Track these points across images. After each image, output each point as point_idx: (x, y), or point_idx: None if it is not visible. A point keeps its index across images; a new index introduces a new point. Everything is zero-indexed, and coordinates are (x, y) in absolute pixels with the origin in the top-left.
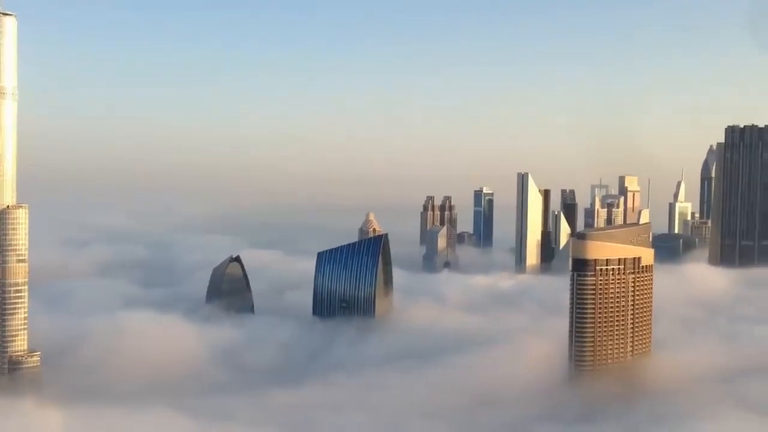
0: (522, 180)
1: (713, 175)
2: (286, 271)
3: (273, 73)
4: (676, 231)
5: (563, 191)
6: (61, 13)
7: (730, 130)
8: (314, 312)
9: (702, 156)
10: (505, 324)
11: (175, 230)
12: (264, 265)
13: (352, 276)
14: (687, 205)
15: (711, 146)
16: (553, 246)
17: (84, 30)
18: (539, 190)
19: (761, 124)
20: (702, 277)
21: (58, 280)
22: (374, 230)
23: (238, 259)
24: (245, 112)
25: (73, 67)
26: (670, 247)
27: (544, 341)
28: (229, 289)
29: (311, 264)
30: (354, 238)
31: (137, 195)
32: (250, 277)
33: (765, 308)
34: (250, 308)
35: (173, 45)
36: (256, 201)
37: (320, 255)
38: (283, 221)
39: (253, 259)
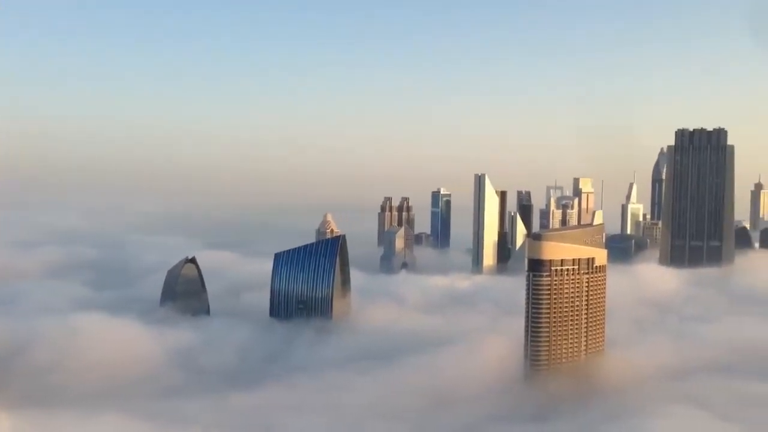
0: (479, 181)
1: (664, 177)
2: (243, 273)
3: (228, 72)
4: (629, 232)
5: (519, 192)
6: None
7: (680, 134)
8: (271, 313)
9: (653, 158)
10: (462, 324)
11: (128, 230)
12: (220, 266)
13: (310, 277)
14: (639, 207)
15: (662, 149)
16: (510, 247)
17: (35, 27)
18: (496, 192)
19: (710, 128)
20: (653, 277)
21: (7, 282)
22: (332, 231)
23: (193, 261)
24: (201, 111)
25: (21, 65)
26: (622, 247)
27: (501, 341)
28: (185, 291)
29: (268, 265)
30: (311, 238)
31: (89, 194)
32: (205, 279)
33: (713, 307)
34: (206, 310)
35: (128, 41)
36: (211, 201)
37: (277, 256)
38: (239, 222)
39: (208, 260)
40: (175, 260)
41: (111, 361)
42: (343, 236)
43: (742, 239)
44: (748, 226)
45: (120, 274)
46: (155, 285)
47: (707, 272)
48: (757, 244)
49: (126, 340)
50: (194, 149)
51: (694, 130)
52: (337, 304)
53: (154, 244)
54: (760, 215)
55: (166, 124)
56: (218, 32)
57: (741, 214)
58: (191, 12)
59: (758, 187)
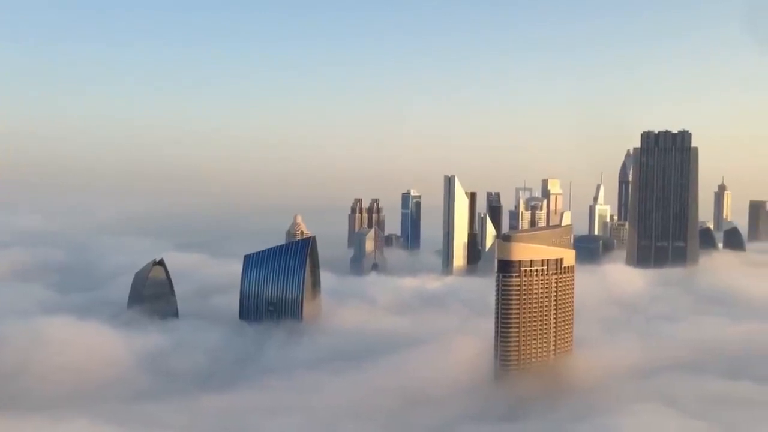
0: (449, 182)
1: (630, 178)
2: (212, 275)
3: (196, 72)
4: (596, 233)
5: (489, 194)
6: None
7: (646, 136)
8: (241, 316)
9: (620, 160)
10: (432, 325)
11: (95, 232)
12: (189, 268)
13: (280, 279)
14: (606, 208)
15: (628, 151)
16: (480, 248)
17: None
18: (465, 193)
19: (674, 130)
20: (620, 277)
21: None
22: (302, 232)
23: (161, 263)
24: (169, 111)
25: None
26: (590, 248)
27: (471, 341)
28: (153, 294)
29: (237, 267)
30: (281, 240)
31: (55, 195)
32: (174, 281)
33: (679, 307)
34: (175, 313)
35: (103, 38)
36: (180, 202)
37: (247, 258)
38: (208, 223)
39: (177, 262)
40: (142, 262)
41: (78, 365)
42: (313, 238)
43: (706, 240)
44: (711, 226)
45: (86, 276)
46: (122, 287)
47: (673, 272)
48: (720, 245)
49: (93, 344)
50: (162, 151)
51: (659, 132)
52: (308, 306)
53: (122, 245)
54: (723, 216)
55: (134, 125)
56: (189, 32)
57: (705, 215)
58: (164, 10)
59: (721, 188)
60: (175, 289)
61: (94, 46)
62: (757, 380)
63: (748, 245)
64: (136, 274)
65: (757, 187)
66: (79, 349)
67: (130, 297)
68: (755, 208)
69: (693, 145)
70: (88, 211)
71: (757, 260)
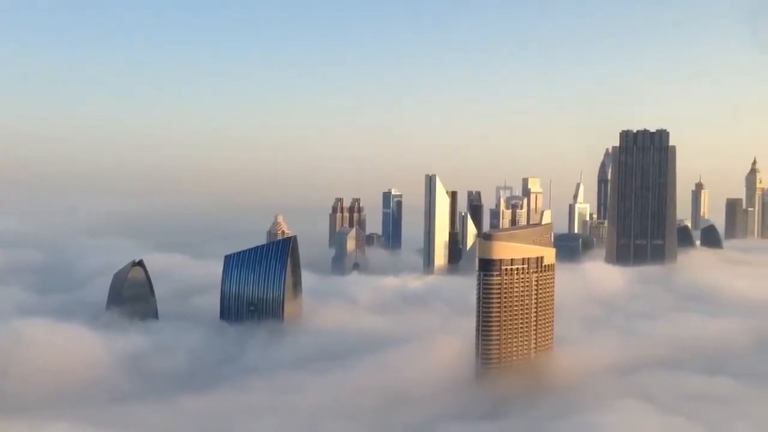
0: (430, 182)
1: (609, 177)
2: (192, 275)
3: (176, 71)
4: (576, 231)
5: (469, 193)
6: None
7: (624, 135)
8: (221, 316)
9: (599, 159)
10: (414, 324)
11: (72, 233)
12: (168, 269)
13: (261, 279)
14: (585, 206)
15: (607, 150)
16: (461, 247)
17: None
18: (446, 192)
19: (653, 129)
20: (600, 275)
21: None
22: (283, 232)
23: (140, 263)
24: (148, 110)
25: None
26: (570, 246)
27: (453, 340)
28: (132, 295)
29: (218, 267)
30: (262, 240)
31: (32, 195)
32: (154, 282)
33: (658, 304)
34: (154, 314)
35: (68, 41)
36: (159, 202)
37: (227, 258)
38: (188, 223)
39: (156, 263)
40: (121, 263)
41: (58, 367)
42: (294, 237)
43: (684, 238)
44: (689, 224)
45: (64, 277)
46: (101, 289)
47: (651, 270)
48: (698, 242)
49: (73, 346)
50: (141, 151)
51: (637, 131)
52: (289, 306)
53: (100, 246)
54: (701, 214)
55: (112, 125)
56: (165, 32)
57: (683, 213)
58: (138, 11)
59: (699, 186)
60: (155, 289)
61: (73, 46)
62: (735, 376)
63: (725, 243)
64: (115, 275)
65: (733, 185)
66: (59, 351)
67: (109, 298)
68: (732, 206)
69: (671, 143)
70: (65, 212)
71: (734, 257)
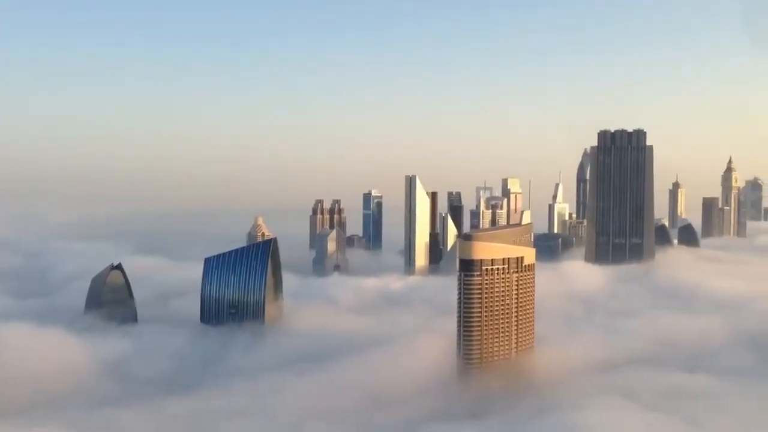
0: (410, 183)
1: (588, 177)
2: (172, 279)
3: (153, 74)
4: (555, 231)
5: (450, 193)
6: None
7: (602, 135)
8: (202, 319)
9: (578, 159)
10: (396, 325)
11: (50, 237)
12: (148, 272)
13: (241, 281)
14: (565, 206)
15: (585, 150)
16: (441, 247)
17: None
18: (427, 193)
19: (630, 129)
20: (579, 274)
21: None
22: (263, 234)
23: (119, 267)
24: (125, 113)
25: None
26: (549, 246)
27: (434, 340)
28: (111, 299)
29: (198, 270)
30: (242, 242)
31: (9, 200)
32: (133, 285)
33: (637, 302)
34: (134, 318)
35: (41, 42)
36: (138, 205)
37: (207, 261)
38: (167, 226)
39: (136, 266)
40: (100, 267)
41: (39, 372)
42: (275, 239)
43: (662, 236)
44: (666, 223)
45: (42, 282)
46: (79, 293)
47: (630, 268)
48: (675, 241)
49: (53, 350)
50: (120, 153)
51: (615, 131)
52: (270, 308)
53: (78, 250)
54: (678, 213)
55: (89, 128)
56: (136, 34)
57: (660, 212)
58: (102, 11)
59: (676, 186)
60: (134, 293)
61: (41, 47)
62: (713, 373)
63: (702, 241)
64: (94, 279)
65: (710, 184)
66: (39, 355)
67: (87, 302)
68: (708, 205)
69: (648, 143)
70: (42, 217)
71: (711, 255)
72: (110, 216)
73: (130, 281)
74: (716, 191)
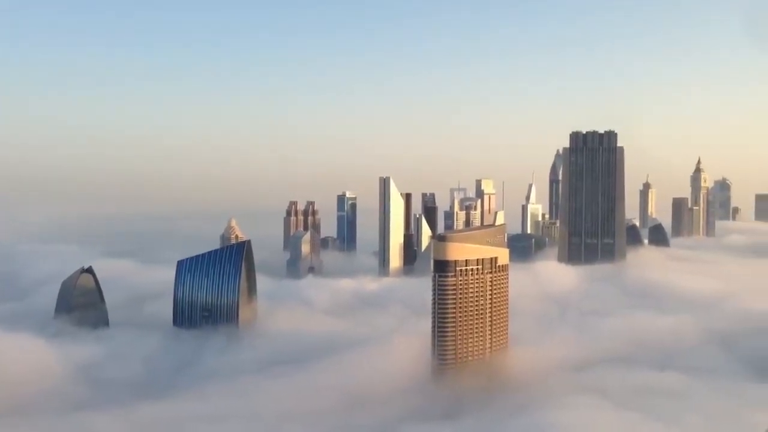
0: (384, 184)
1: (560, 178)
2: (144, 282)
3: (123, 76)
4: (529, 231)
5: (424, 194)
6: None
7: (574, 136)
8: (175, 322)
9: (550, 160)
10: (371, 325)
11: (17, 240)
12: (119, 275)
13: (215, 284)
14: (538, 207)
15: (558, 150)
16: (416, 248)
17: None
18: (401, 194)
19: (601, 130)
20: (552, 274)
21: None
22: (236, 236)
23: (90, 270)
24: (96, 114)
25: None
26: (523, 246)
27: (409, 341)
28: (81, 303)
29: (170, 273)
30: (215, 245)
31: None
32: (104, 289)
33: (609, 302)
34: (105, 321)
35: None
36: (109, 207)
37: (180, 263)
38: (139, 228)
39: (106, 269)
40: (70, 270)
41: (8, 376)
42: (248, 241)
43: (633, 236)
44: (637, 223)
45: (11, 286)
46: (49, 297)
47: (602, 268)
48: (646, 241)
49: (23, 355)
50: (89, 154)
51: (587, 132)
52: (244, 311)
53: (46, 253)
54: (648, 213)
55: (58, 128)
56: (112, 33)
57: (631, 212)
58: (82, 12)
59: (646, 186)
60: (105, 297)
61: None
62: (684, 371)
63: (672, 241)
64: (63, 283)
65: (679, 184)
66: (8, 360)
67: (57, 306)
68: (678, 205)
69: (619, 144)
70: (8, 219)
71: (681, 255)
72: (81, 218)
73: (101, 284)
74: (686, 191)
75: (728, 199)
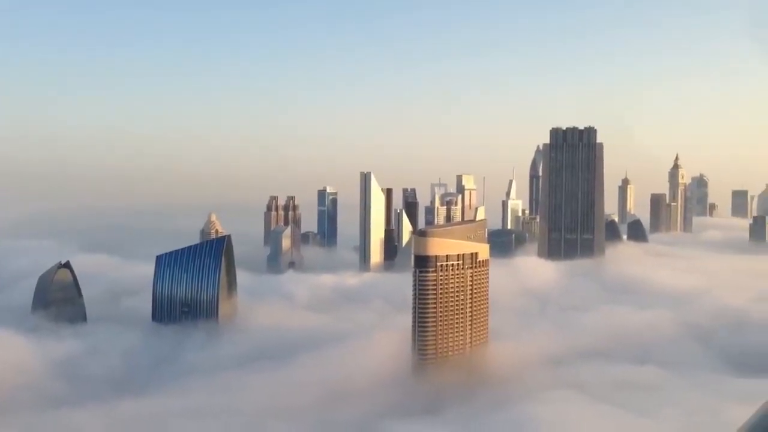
0: (365, 179)
1: (540, 173)
2: (122, 277)
3: (103, 71)
4: (509, 227)
5: (405, 190)
6: None
7: (554, 132)
8: (154, 318)
9: (531, 156)
10: (352, 321)
11: None
12: (97, 270)
13: (194, 279)
14: (518, 203)
15: (538, 147)
16: (396, 243)
17: None
18: (382, 189)
19: (581, 126)
20: (532, 269)
21: None
22: (216, 231)
23: (67, 265)
24: (75, 108)
25: None
26: (503, 242)
27: (390, 336)
28: (59, 298)
29: (149, 268)
30: (195, 239)
31: None
32: (81, 284)
33: (588, 297)
34: (83, 317)
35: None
36: (87, 201)
37: (159, 258)
38: (117, 223)
39: (84, 264)
40: (47, 265)
41: None
42: (228, 236)
43: (612, 232)
44: (616, 219)
45: None
46: (26, 292)
47: (581, 263)
48: (624, 236)
49: (0, 351)
50: (68, 148)
51: (567, 128)
52: (224, 306)
53: (23, 248)
54: (627, 209)
55: (33, 123)
56: (92, 30)
57: (610, 208)
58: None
59: (625, 182)
60: (83, 292)
61: None
62: (661, 364)
63: (650, 236)
64: (41, 278)
65: (658, 180)
66: None
67: (34, 301)
68: (656, 201)
69: (598, 141)
70: None
71: (659, 251)
72: (58, 212)
73: (79, 279)
74: (664, 188)
75: (705, 195)
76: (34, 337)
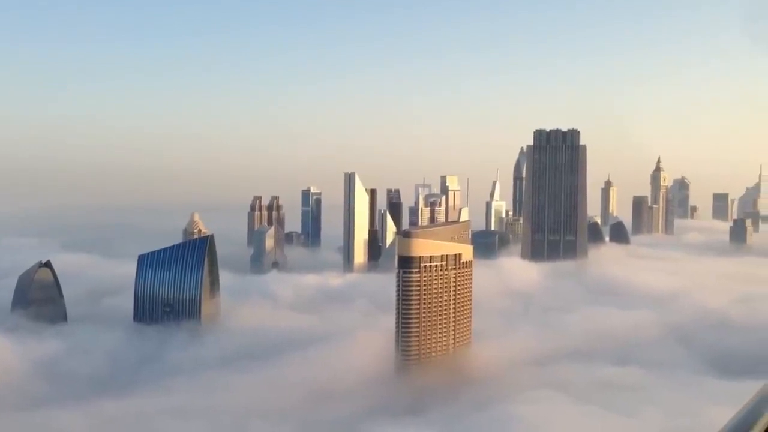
0: (349, 180)
1: (524, 175)
2: (104, 276)
3: (86, 69)
4: (493, 228)
5: (389, 190)
6: None
7: (538, 134)
8: (135, 318)
9: (514, 157)
10: (335, 321)
11: None
12: (78, 269)
13: (177, 279)
14: (502, 204)
15: (522, 148)
16: (380, 244)
17: None
18: (366, 190)
19: (565, 128)
20: (515, 270)
21: None
22: (199, 231)
23: (48, 264)
24: (57, 106)
25: None
26: (487, 243)
27: (374, 337)
28: (39, 297)
29: (131, 268)
30: (178, 239)
31: None
32: (62, 283)
33: (570, 298)
34: (63, 316)
35: None
36: (68, 199)
37: (141, 258)
38: (99, 222)
39: (65, 263)
40: (27, 264)
41: None
42: (211, 236)
43: (594, 234)
44: (599, 221)
45: None
46: (5, 291)
47: (564, 265)
48: (607, 238)
49: None
50: (49, 146)
51: (550, 130)
52: (206, 306)
53: (5, 247)
54: (610, 211)
55: (14, 120)
56: (75, 27)
57: (593, 210)
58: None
59: (608, 184)
60: (64, 291)
61: None
62: (643, 365)
63: (633, 238)
64: (20, 277)
65: (640, 183)
66: None
67: (14, 300)
68: (638, 203)
69: (581, 143)
70: None
71: (641, 252)
72: (39, 211)
73: (60, 279)
74: (646, 190)
75: (687, 197)
76: (14, 337)
